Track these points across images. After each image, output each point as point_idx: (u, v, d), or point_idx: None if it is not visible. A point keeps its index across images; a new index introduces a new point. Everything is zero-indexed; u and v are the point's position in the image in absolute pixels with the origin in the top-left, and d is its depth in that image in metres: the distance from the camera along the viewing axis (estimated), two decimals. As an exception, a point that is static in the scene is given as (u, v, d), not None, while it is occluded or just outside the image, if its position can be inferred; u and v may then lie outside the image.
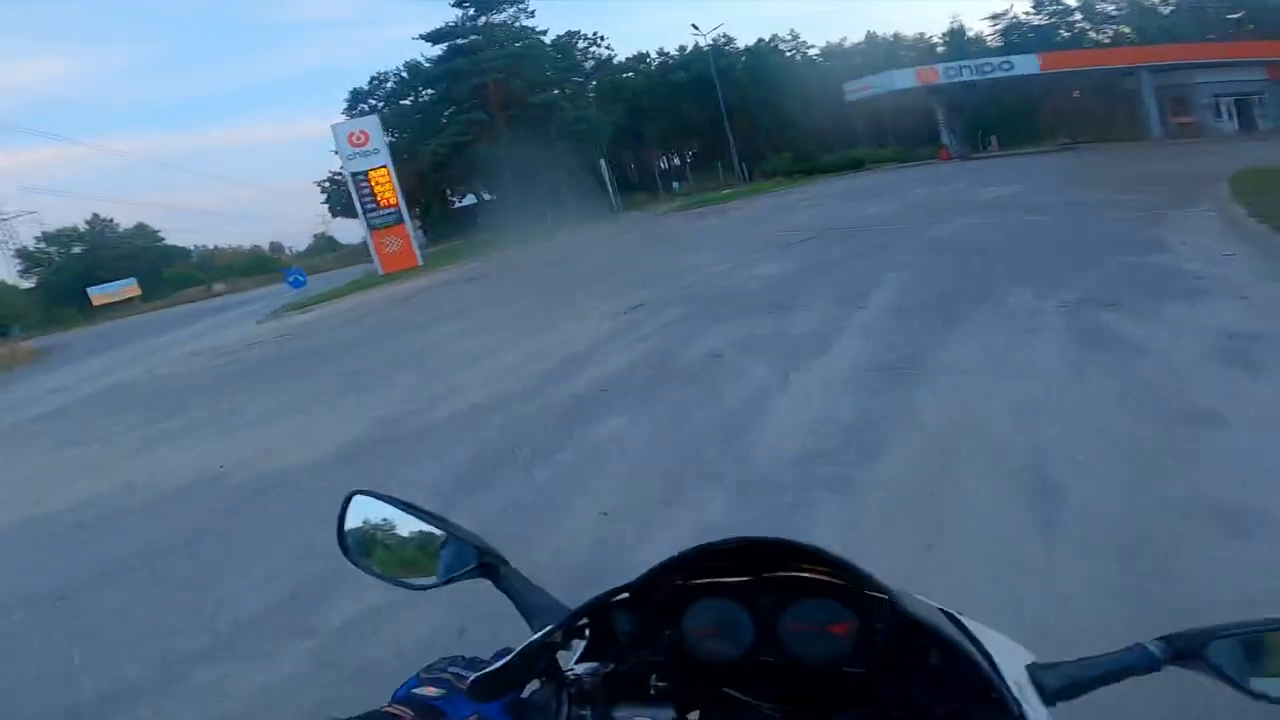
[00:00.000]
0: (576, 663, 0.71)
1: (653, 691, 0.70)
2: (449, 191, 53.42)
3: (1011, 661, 0.65)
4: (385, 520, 0.83)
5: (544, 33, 51.63)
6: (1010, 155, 38.84)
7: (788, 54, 68.04)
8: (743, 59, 63.62)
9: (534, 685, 0.67)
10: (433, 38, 46.40)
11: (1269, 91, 31.79)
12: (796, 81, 60.29)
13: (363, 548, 0.84)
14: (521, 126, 42.96)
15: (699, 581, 0.72)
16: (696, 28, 78.10)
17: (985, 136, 69.61)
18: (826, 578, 0.68)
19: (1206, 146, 25.72)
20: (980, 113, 67.56)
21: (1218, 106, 32.67)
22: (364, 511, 0.84)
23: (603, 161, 40.94)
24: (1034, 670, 0.65)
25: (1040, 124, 56.30)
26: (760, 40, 65.80)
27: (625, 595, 0.69)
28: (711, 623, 0.69)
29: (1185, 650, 0.61)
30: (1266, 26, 38.49)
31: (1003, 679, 0.56)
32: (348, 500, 0.85)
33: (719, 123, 64.85)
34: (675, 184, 40.35)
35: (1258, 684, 0.59)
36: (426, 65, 47.69)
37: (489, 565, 0.80)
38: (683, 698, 0.68)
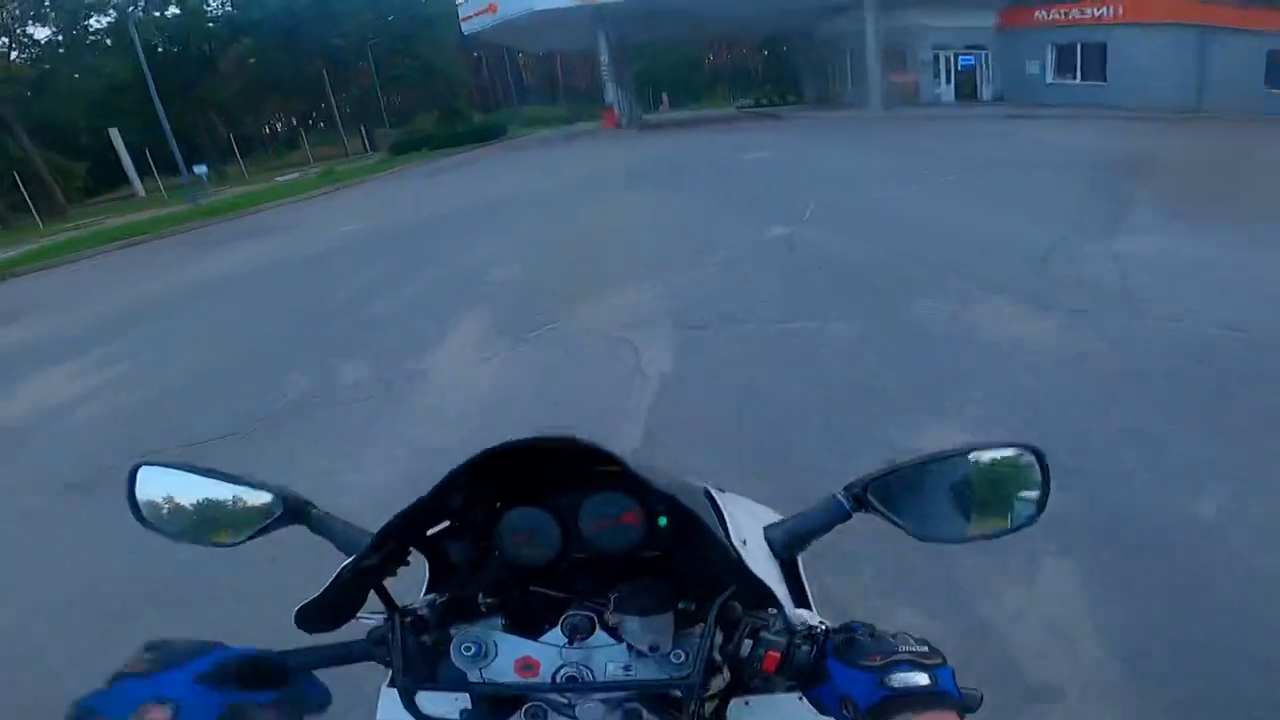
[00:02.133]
0: (422, 597, 0.72)
1: (483, 609, 0.70)
2: None
3: (751, 524, 0.72)
4: (178, 485, 0.78)
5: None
6: (695, 124, 29.14)
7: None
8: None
9: (377, 623, 0.68)
10: None
11: (996, 47, 22.87)
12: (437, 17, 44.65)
13: (161, 517, 0.79)
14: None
15: (504, 499, 0.73)
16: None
17: (656, 94, 62.76)
18: (613, 471, 0.68)
19: (922, 122, 18.69)
20: (653, 62, 60.82)
21: (937, 64, 23.84)
22: (153, 481, 0.79)
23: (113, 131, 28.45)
24: (767, 531, 0.72)
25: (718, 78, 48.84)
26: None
27: (447, 524, 0.74)
28: (523, 529, 0.71)
29: (858, 496, 0.69)
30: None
31: (730, 542, 0.62)
32: (133, 473, 0.79)
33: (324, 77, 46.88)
34: (203, 168, 22.71)
35: (912, 522, 0.67)
36: None
37: (296, 510, 0.77)
38: (508, 608, 0.70)
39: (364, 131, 49.29)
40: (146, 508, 0.78)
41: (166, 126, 20.48)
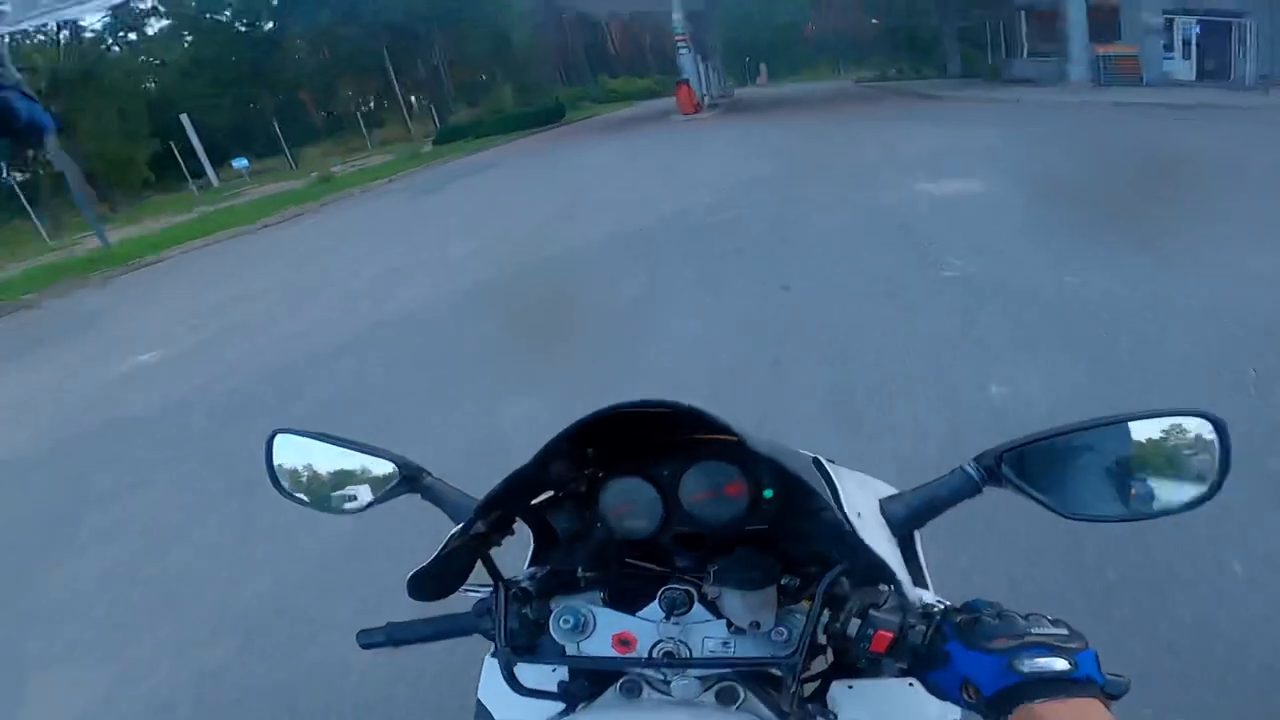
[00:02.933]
0: (526, 568, 0.73)
1: (583, 583, 0.70)
2: None
3: (865, 497, 0.68)
4: (310, 453, 0.82)
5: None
6: (803, 105, 22.20)
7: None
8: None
9: (483, 594, 0.70)
10: None
11: (1256, 12, 14.65)
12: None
13: (293, 482, 0.83)
14: None
15: (604, 468, 0.71)
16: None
17: (753, 65, 55.53)
18: (718, 440, 0.67)
19: (1170, 124, 10.49)
20: (746, 26, 53.53)
21: (1170, 30, 16.09)
22: (288, 448, 0.83)
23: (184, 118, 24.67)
24: (884, 504, 0.69)
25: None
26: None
27: (550, 494, 0.73)
28: (623, 501, 0.69)
29: (989, 468, 0.64)
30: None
31: (845, 516, 0.59)
32: (271, 439, 0.83)
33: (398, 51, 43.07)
34: (243, 162, 19.33)
35: (1054, 497, 0.60)
36: None
37: (412, 478, 0.80)
38: (608, 581, 0.70)
39: (434, 112, 45.72)
40: (282, 473, 0.83)
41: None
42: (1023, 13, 21.11)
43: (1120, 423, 0.59)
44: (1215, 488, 0.57)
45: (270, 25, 40.45)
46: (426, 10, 41.84)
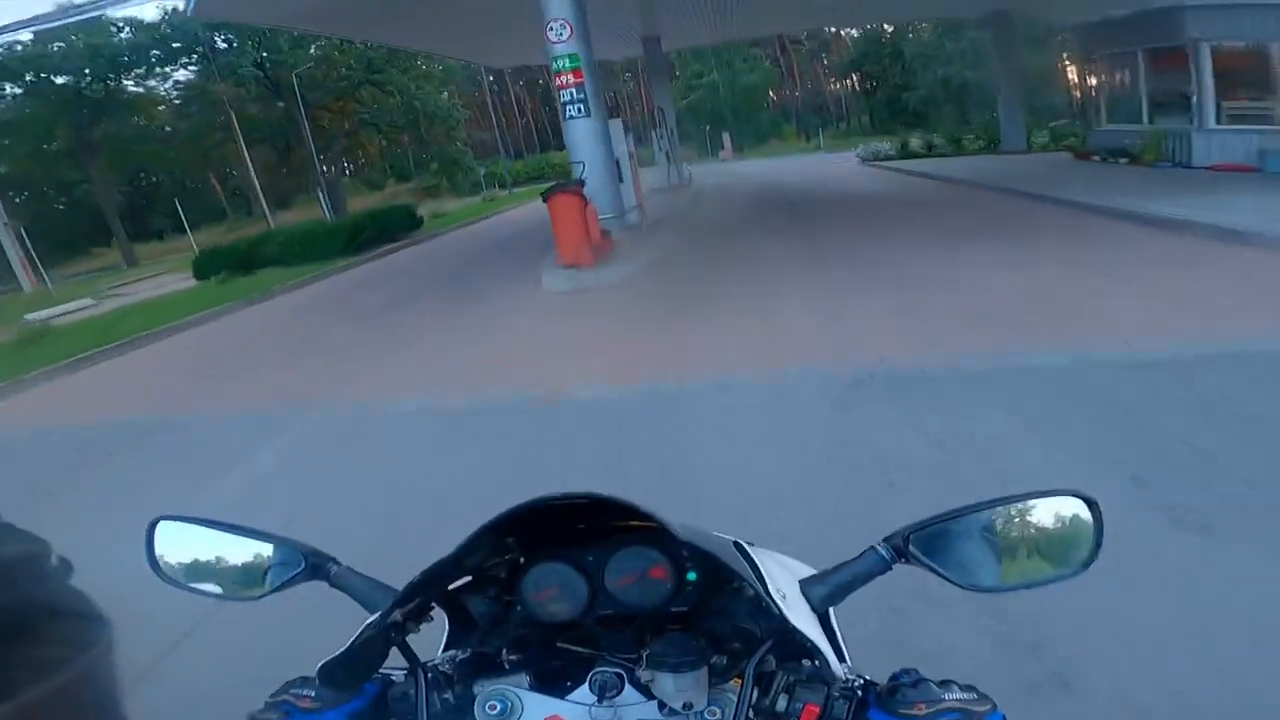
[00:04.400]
0: (441, 652, 0.72)
1: (506, 666, 0.69)
2: None
3: (786, 578, 0.71)
4: (197, 540, 0.78)
5: None
6: (815, 201, 14.23)
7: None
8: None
9: (398, 678, 0.67)
10: None
11: None
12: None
13: (181, 571, 0.78)
14: None
15: (525, 554, 0.72)
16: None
17: (713, 134, 46.47)
18: (641, 526, 0.69)
19: None
20: (704, 92, 44.53)
21: None
22: (172, 536, 0.78)
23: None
24: (804, 584, 0.71)
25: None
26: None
27: (468, 579, 0.72)
28: (548, 585, 0.69)
29: (898, 547, 0.67)
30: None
31: (769, 594, 0.61)
32: (152, 528, 0.78)
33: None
34: None
35: (955, 572, 0.65)
36: None
37: (318, 566, 0.76)
38: (533, 665, 0.69)
39: (323, 194, 34.88)
40: (165, 563, 0.77)
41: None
42: (1140, 56, 11.40)
43: (1006, 503, 0.65)
44: (1090, 559, 0.64)
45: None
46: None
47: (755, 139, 44.91)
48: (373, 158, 49.33)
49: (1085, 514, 0.64)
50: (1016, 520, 0.65)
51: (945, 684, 0.57)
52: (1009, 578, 0.66)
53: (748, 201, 14.65)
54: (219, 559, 0.77)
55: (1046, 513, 0.65)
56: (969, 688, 0.57)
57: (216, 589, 0.77)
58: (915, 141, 21.21)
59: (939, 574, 0.65)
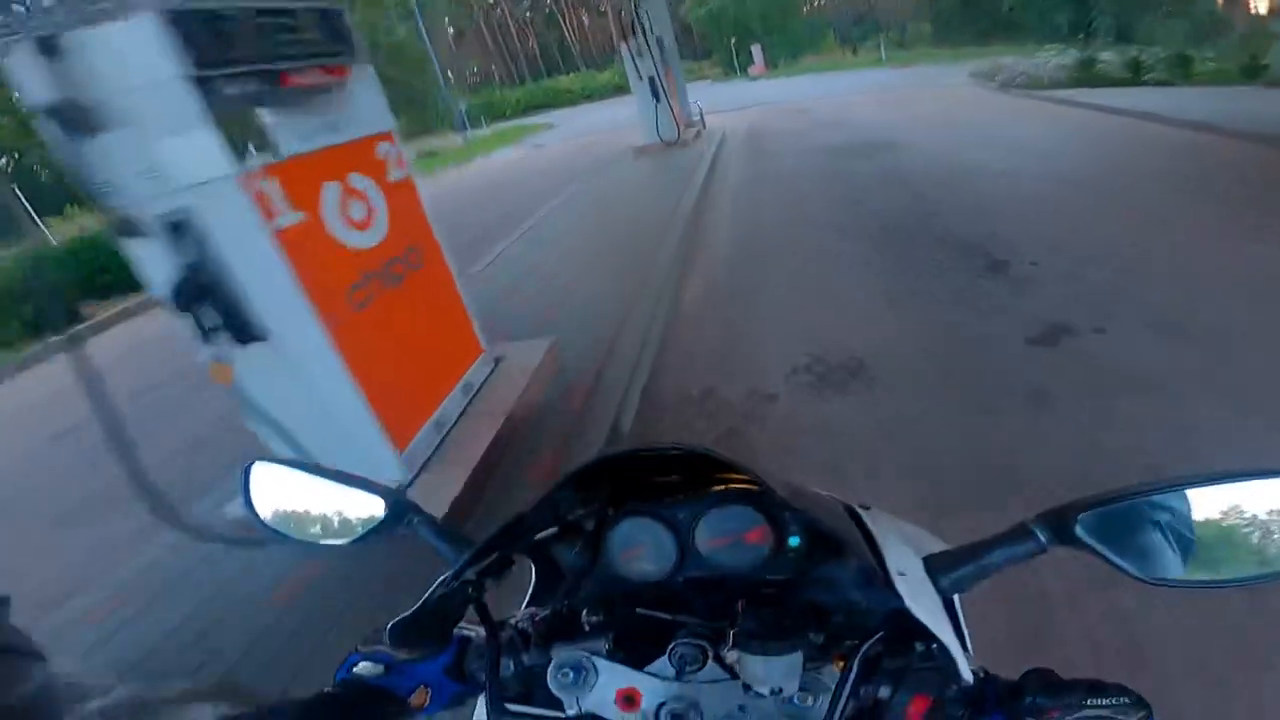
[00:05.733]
0: (524, 607, 0.69)
1: (586, 629, 0.64)
2: None
3: (907, 552, 0.61)
4: (290, 484, 0.75)
5: None
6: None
7: None
8: None
9: (476, 635, 0.65)
10: None
11: None
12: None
13: (273, 514, 0.76)
14: None
15: (618, 505, 0.68)
16: None
17: (742, 46, 36.90)
18: (741, 484, 0.65)
19: None
20: None
21: None
22: (267, 479, 0.76)
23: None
24: (930, 563, 0.61)
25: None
26: None
27: (554, 530, 0.68)
28: (635, 542, 0.65)
29: (1059, 528, 0.56)
30: None
31: (886, 572, 0.55)
32: (248, 469, 0.77)
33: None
34: None
35: (1133, 560, 0.53)
36: None
37: (401, 514, 0.72)
38: (614, 629, 0.64)
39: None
40: (261, 505, 0.76)
41: None
42: None
43: (1204, 485, 0.52)
44: None
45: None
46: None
47: (790, 52, 35.33)
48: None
49: None
50: (1213, 504, 0.52)
51: (1091, 684, 0.48)
52: (1202, 570, 0.52)
53: (836, 231, 5.82)
54: (311, 503, 0.74)
55: (1253, 496, 0.51)
56: (1120, 688, 0.48)
57: (305, 537, 0.74)
58: (1106, 58, 11.79)
59: (1115, 565, 0.53)
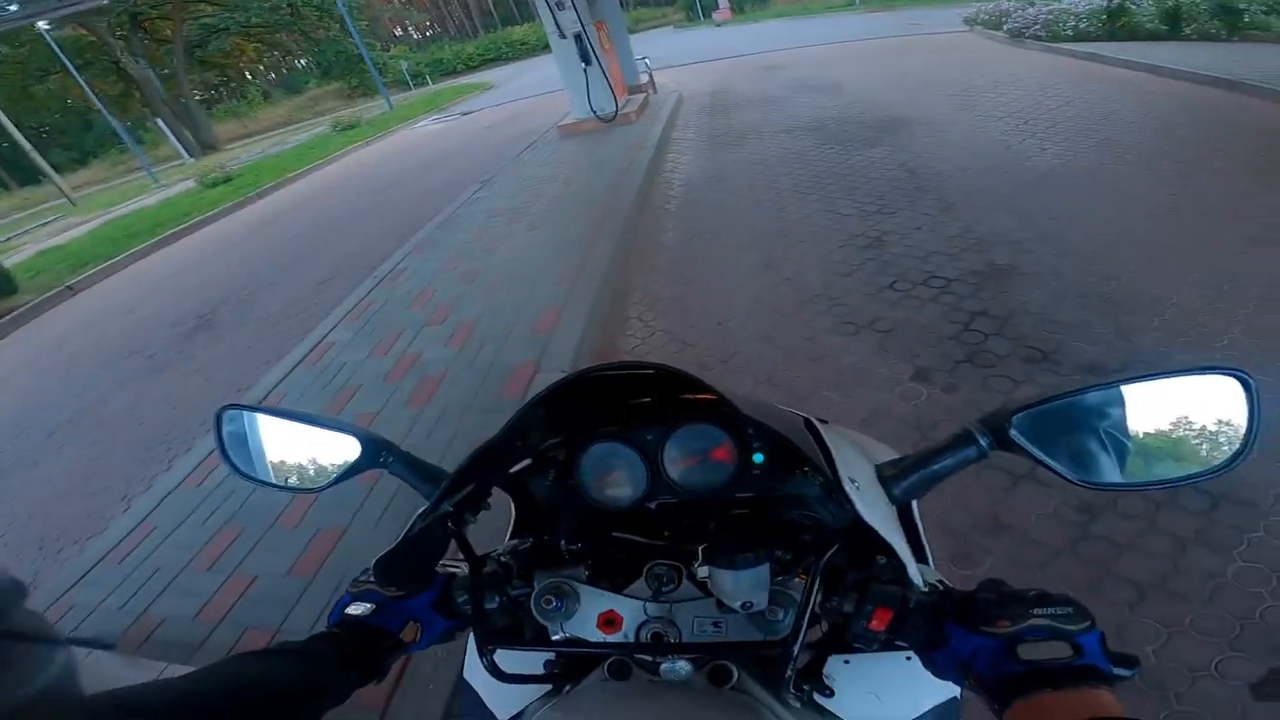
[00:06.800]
0: (507, 540, 0.69)
1: (566, 556, 0.65)
2: None
3: (861, 462, 0.61)
4: (262, 428, 0.73)
5: None
6: None
7: None
8: None
9: (461, 571, 0.65)
10: None
11: None
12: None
13: (246, 460, 0.73)
14: None
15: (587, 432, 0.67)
16: None
17: None
18: (701, 399, 0.64)
19: None
20: None
21: None
22: (238, 424, 0.73)
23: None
24: (881, 470, 0.62)
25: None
26: None
27: (528, 462, 0.69)
28: (607, 468, 0.66)
29: (997, 430, 0.56)
30: None
31: (841, 483, 0.54)
32: (220, 415, 0.73)
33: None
34: None
35: (1067, 464, 0.53)
36: None
37: (376, 453, 0.70)
38: (592, 555, 0.66)
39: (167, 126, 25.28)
40: (233, 450, 0.73)
41: None
42: None
43: (1137, 381, 0.52)
44: (1240, 454, 0.51)
45: None
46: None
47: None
48: (248, 68, 37.15)
49: (1237, 395, 0.50)
50: (1146, 403, 0.52)
51: (1035, 594, 0.49)
52: (1135, 472, 0.52)
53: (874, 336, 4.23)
54: (282, 447, 0.72)
55: (1185, 394, 0.52)
56: (1064, 599, 0.48)
57: (279, 480, 0.72)
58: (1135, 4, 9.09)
59: (1047, 465, 0.53)
